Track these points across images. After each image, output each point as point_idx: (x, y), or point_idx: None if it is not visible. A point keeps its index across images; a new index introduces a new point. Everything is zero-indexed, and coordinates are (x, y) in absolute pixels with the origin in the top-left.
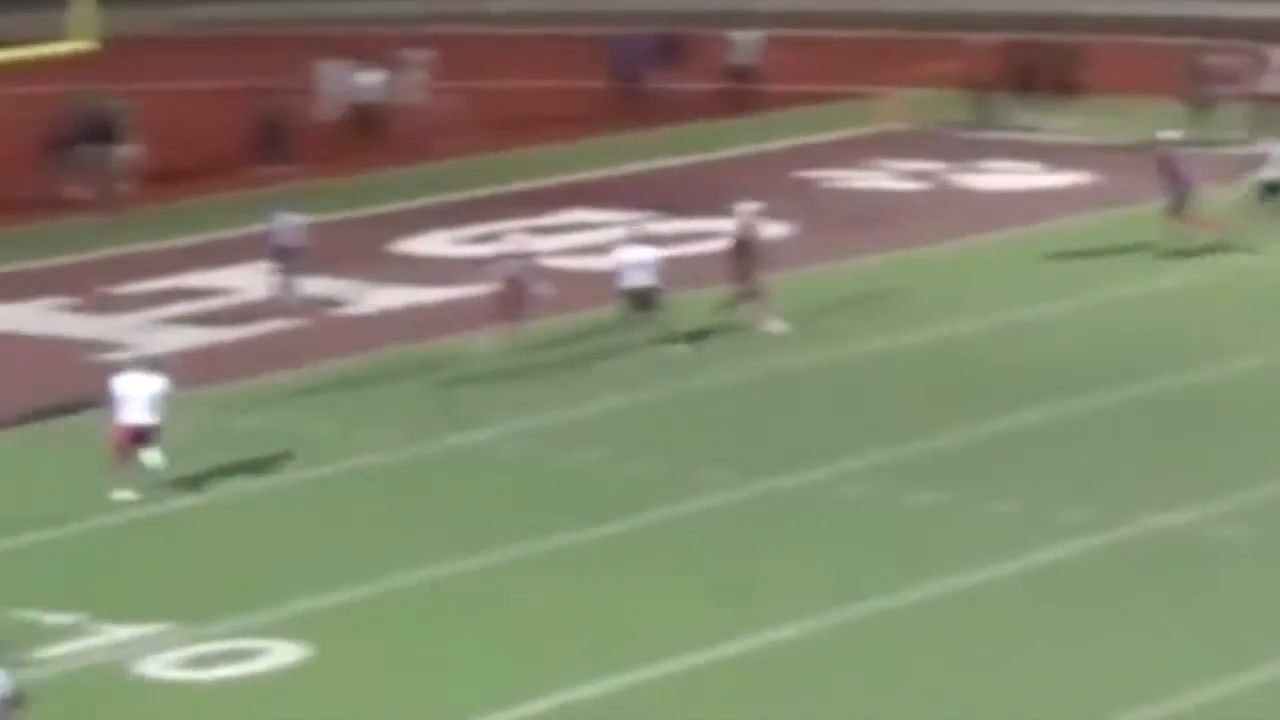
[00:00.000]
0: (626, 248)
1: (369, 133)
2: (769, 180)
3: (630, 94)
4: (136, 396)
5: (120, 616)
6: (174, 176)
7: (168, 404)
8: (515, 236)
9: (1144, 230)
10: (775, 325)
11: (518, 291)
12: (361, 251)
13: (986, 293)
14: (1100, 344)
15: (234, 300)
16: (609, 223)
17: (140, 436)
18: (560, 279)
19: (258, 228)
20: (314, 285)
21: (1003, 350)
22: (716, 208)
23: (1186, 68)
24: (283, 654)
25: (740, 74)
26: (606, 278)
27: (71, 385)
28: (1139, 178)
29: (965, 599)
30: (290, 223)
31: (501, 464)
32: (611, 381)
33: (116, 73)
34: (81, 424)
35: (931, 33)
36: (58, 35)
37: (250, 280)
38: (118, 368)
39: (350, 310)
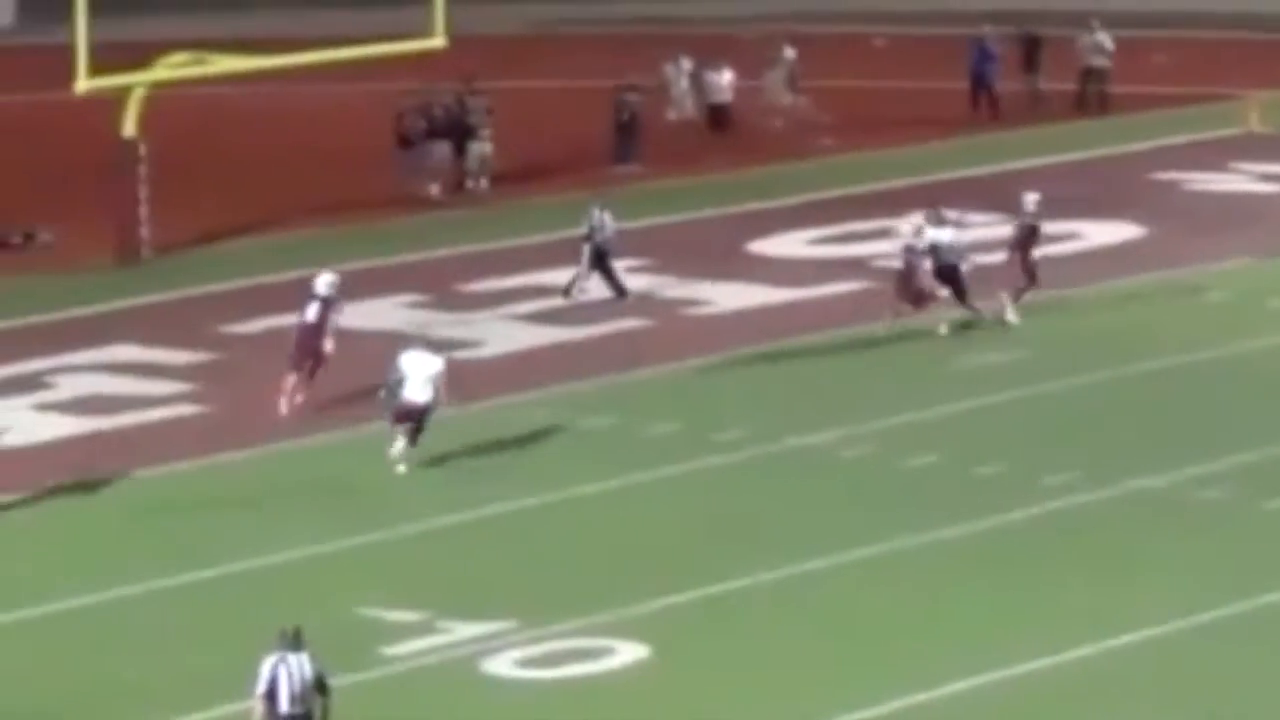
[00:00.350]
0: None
1: (722, 132)
2: (1127, 182)
3: (985, 96)
4: (416, 376)
5: (465, 614)
6: (526, 175)
7: (443, 386)
8: (911, 222)
9: None
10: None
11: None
12: (714, 251)
13: None
14: None
15: (582, 299)
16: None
17: (413, 414)
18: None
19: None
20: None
21: None
22: (1075, 209)
23: None
24: (627, 653)
25: (1094, 75)
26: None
27: None
28: None
29: None
30: (607, 222)
31: (843, 466)
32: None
33: (470, 71)
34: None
35: None
36: (411, 33)
37: (597, 279)
38: (406, 345)
39: (701, 310)
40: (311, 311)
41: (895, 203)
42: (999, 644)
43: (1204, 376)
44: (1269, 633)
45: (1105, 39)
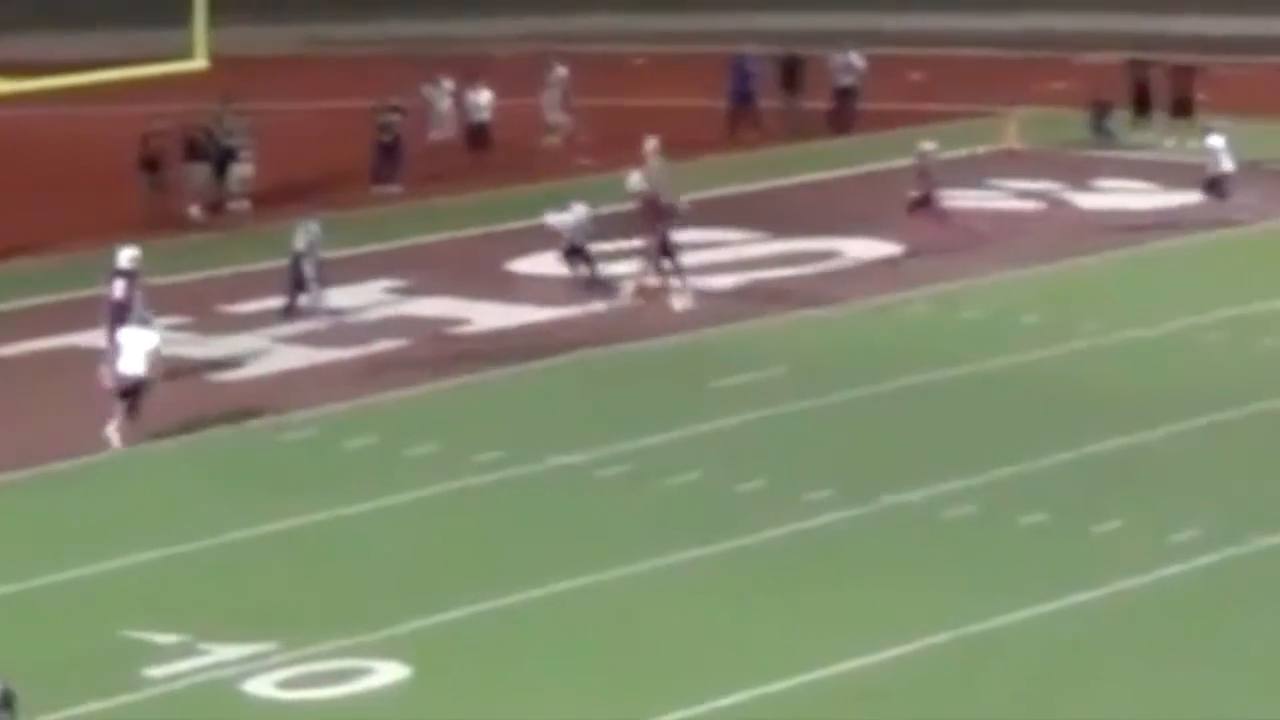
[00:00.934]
0: None
1: (482, 152)
2: (884, 199)
3: (749, 115)
4: (133, 349)
5: (227, 635)
6: (288, 196)
7: (159, 361)
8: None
9: (1259, 249)
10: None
11: None
12: (474, 271)
13: (1098, 312)
14: (1213, 364)
15: (348, 320)
16: (726, 242)
17: (131, 387)
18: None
19: (368, 248)
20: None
21: (1111, 370)
22: (831, 228)
23: None
24: (387, 674)
25: (851, 94)
26: (719, 298)
27: (189, 409)
28: (1250, 198)
29: (1072, 619)
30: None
31: (602, 484)
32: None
33: (229, 91)
34: (196, 444)
35: (1047, 51)
36: (172, 55)
37: (363, 299)
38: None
39: (461, 329)
40: (118, 288)
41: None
42: (762, 659)
43: (959, 392)
44: (1021, 647)
45: (855, 58)
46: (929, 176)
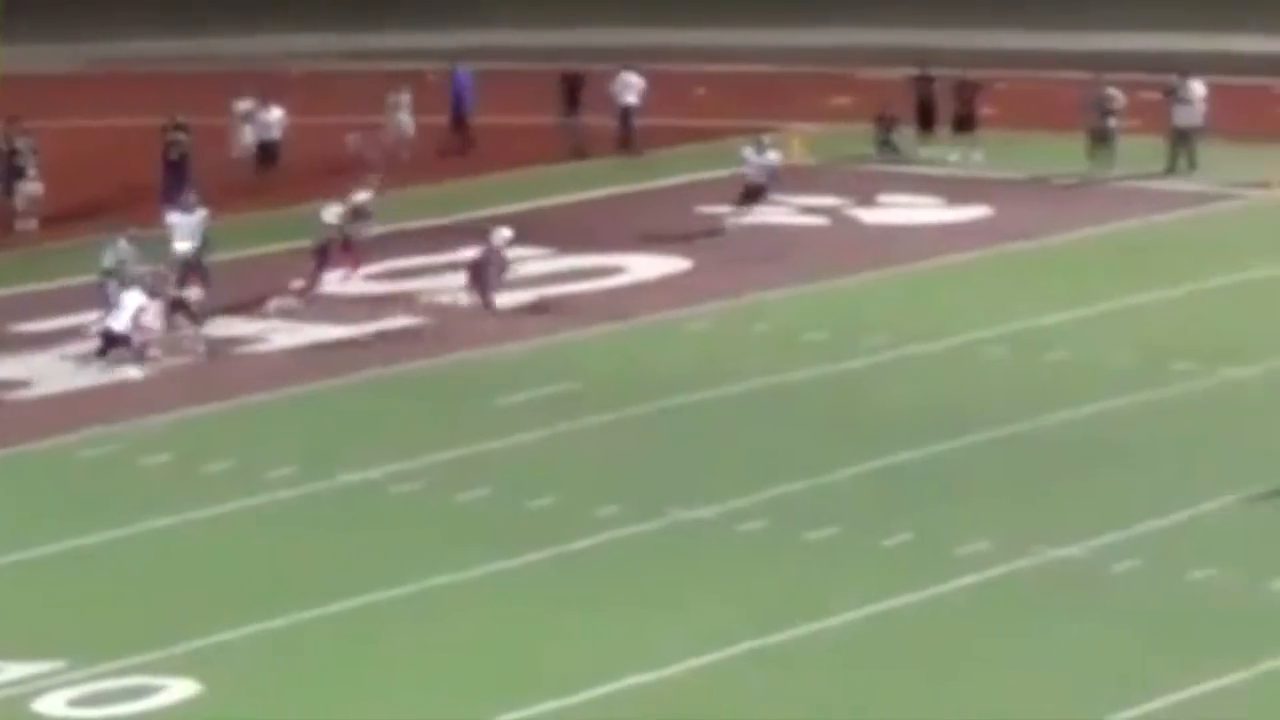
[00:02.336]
0: None
1: (271, 169)
2: (672, 215)
3: (461, 129)
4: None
5: (16, 653)
6: (77, 215)
7: None
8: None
9: (1042, 264)
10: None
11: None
12: (264, 289)
13: (884, 327)
14: (997, 378)
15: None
16: (512, 259)
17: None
18: (456, 316)
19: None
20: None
21: (898, 385)
22: (617, 244)
23: (1086, 101)
24: (177, 691)
25: (631, 111)
26: (507, 315)
27: None
28: (1037, 211)
29: (864, 630)
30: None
31: (395, 501)
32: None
33: (14, 110)
34: None
35: (831, 67)
36: None
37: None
38: None
39: (256, 348)
40: None
41: (441, 238)
42: (555, 672)
43: (748, 408)
44: (811, 659)
45: (635, 77)
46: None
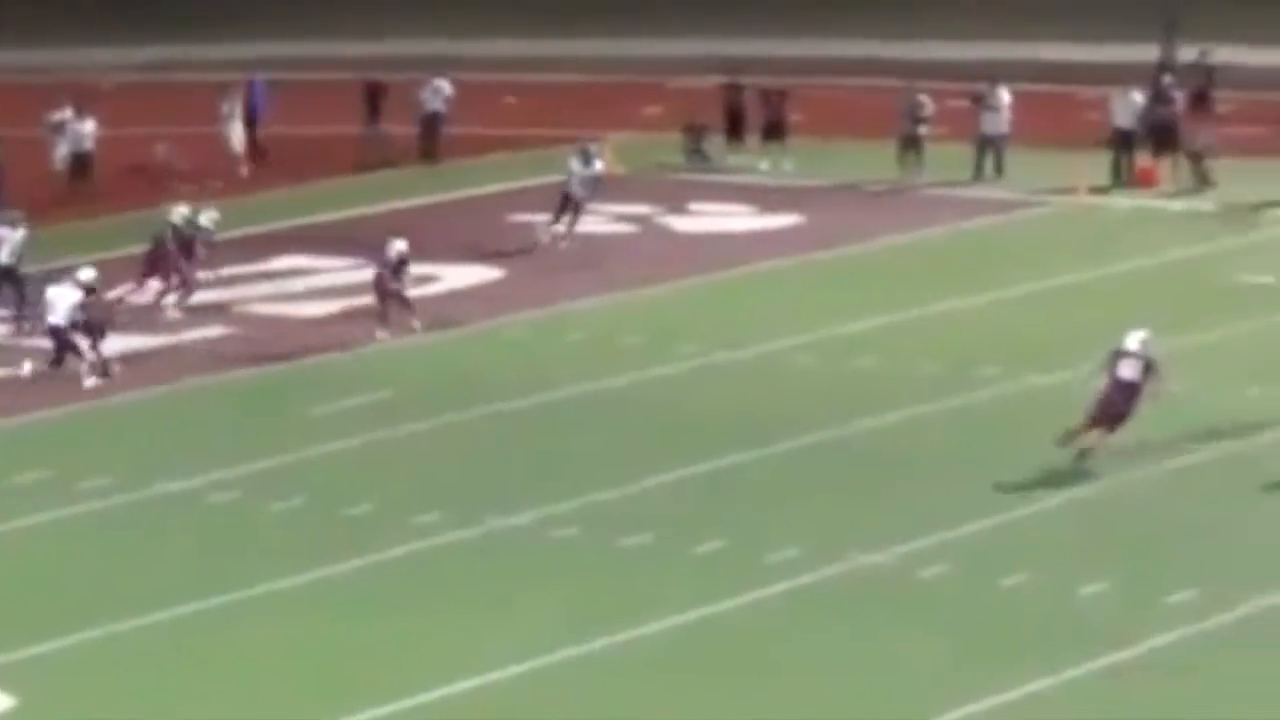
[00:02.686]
0: None
1: (83, 181)
2: (485, 225)
3: (252, 138)
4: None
5: None
6: None
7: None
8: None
9: (850, 271)
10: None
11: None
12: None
13: (695, 334)
14: (807, 385)
15: None
16: (322, 269)
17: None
18: (271, 325)
19: None
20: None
21: (710, 392)
22: (428, 253)
23: (897, 108)
24: None
25: (439, 120)
26: (308, 325)
27: None
28: (847, 219)
29: (678, 636)
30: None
31: (212, 510)
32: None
33: None
34: None
35: (641, 76)
36: None
37: None
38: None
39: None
40: None
41: (255, 248)
42: (370, 681)
43: (562, 415)
44: (624, 667)
45: (444, 85)
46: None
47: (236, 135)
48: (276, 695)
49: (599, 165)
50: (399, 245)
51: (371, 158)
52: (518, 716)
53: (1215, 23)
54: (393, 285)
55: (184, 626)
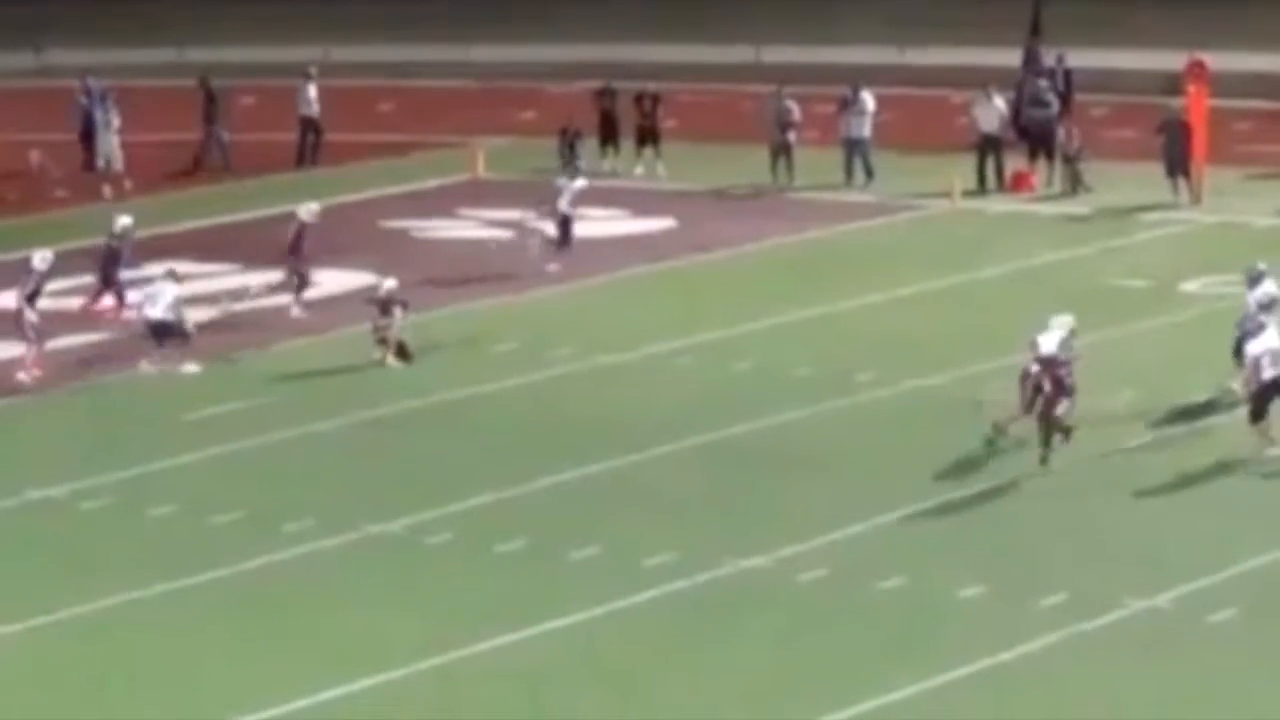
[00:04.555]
0: None
1: None
2: (357, 231)
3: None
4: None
5: None
6: None
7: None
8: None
9: (727, 275)
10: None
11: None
12: None
13: (572, 338)
14: (686, 388)
15: None
16: (198, 274)
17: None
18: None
19: None
20: None
21: (586, 397)
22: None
23: (766, 113)
24: None
25: (309, 125)
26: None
27: None
28: (721, 223)
29: (553, 643)
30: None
31: (83, 517)
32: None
33: None
34: None
35: (517, 82)
36: None
37: None
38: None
39: None
40: None
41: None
42: (245, 689)
43: (437, 421)
44: (500, 673)
45: (312, 89)
46: None
47: (113, 148)
48: (137, 706)
49: (581, 183)
50: (388, 284)
51: (211, 162)
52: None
53: (1075, 26)
54: (380, 322)
55: (48, 636)
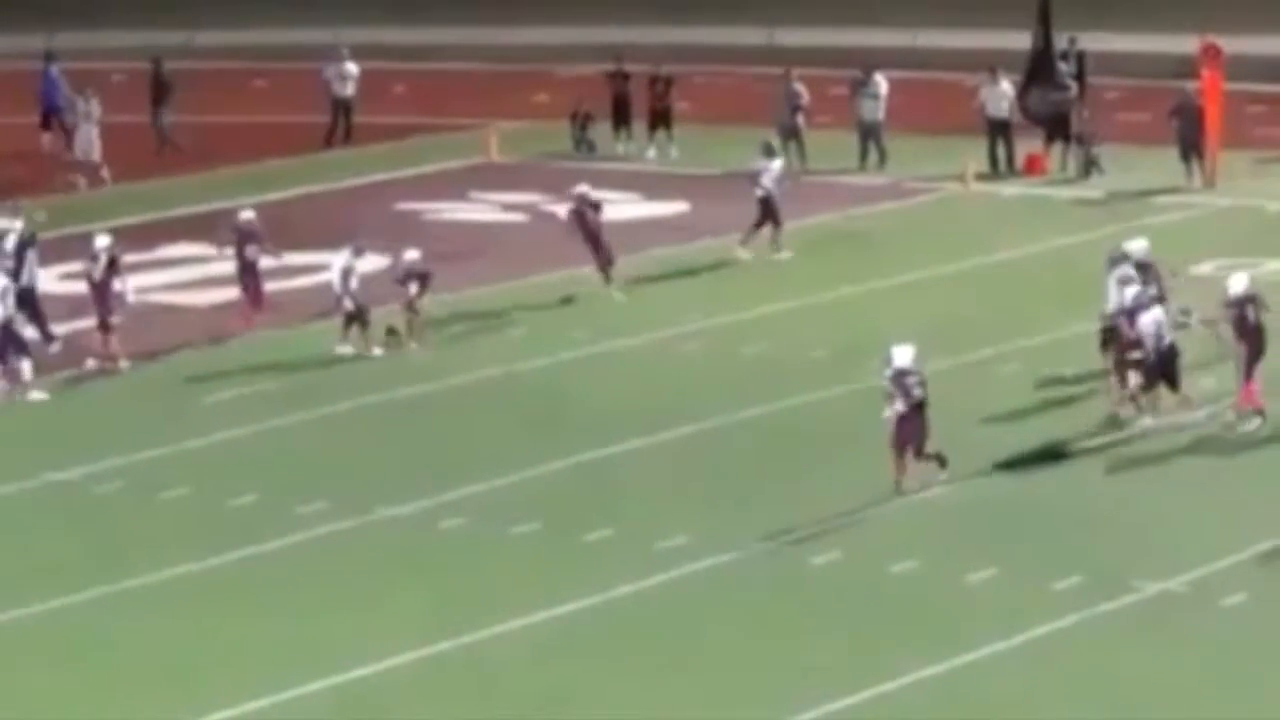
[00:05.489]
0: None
1: None
2: (370, 213)
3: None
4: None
5: None
6: None
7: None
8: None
9: (734, 261)
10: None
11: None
12: None
13: (584, 323)
14: (695, 373)
15: None
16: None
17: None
18: (160, 314)
19: None
20: None
21: (597, 380)
22: (317, 241)
23: (777, 96)
24: None
25: (342, 105)
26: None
27: None
28: (734, 207)
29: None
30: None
31: (97, 501)
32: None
33: None
34: None
35: (529, 65)
36: None
37: None
38: None
39: None
40: None
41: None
42: (263, 671)
43: (450, 404)
44: (516, 654)
45: (352, 67)
46: None
47: (87, 142)
48: (153, 686)
49: (777, 165)
50: (411, 254)
51: (161, 146)
52: (403, 707)
53: (1086, 8)
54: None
55: (65, 617)
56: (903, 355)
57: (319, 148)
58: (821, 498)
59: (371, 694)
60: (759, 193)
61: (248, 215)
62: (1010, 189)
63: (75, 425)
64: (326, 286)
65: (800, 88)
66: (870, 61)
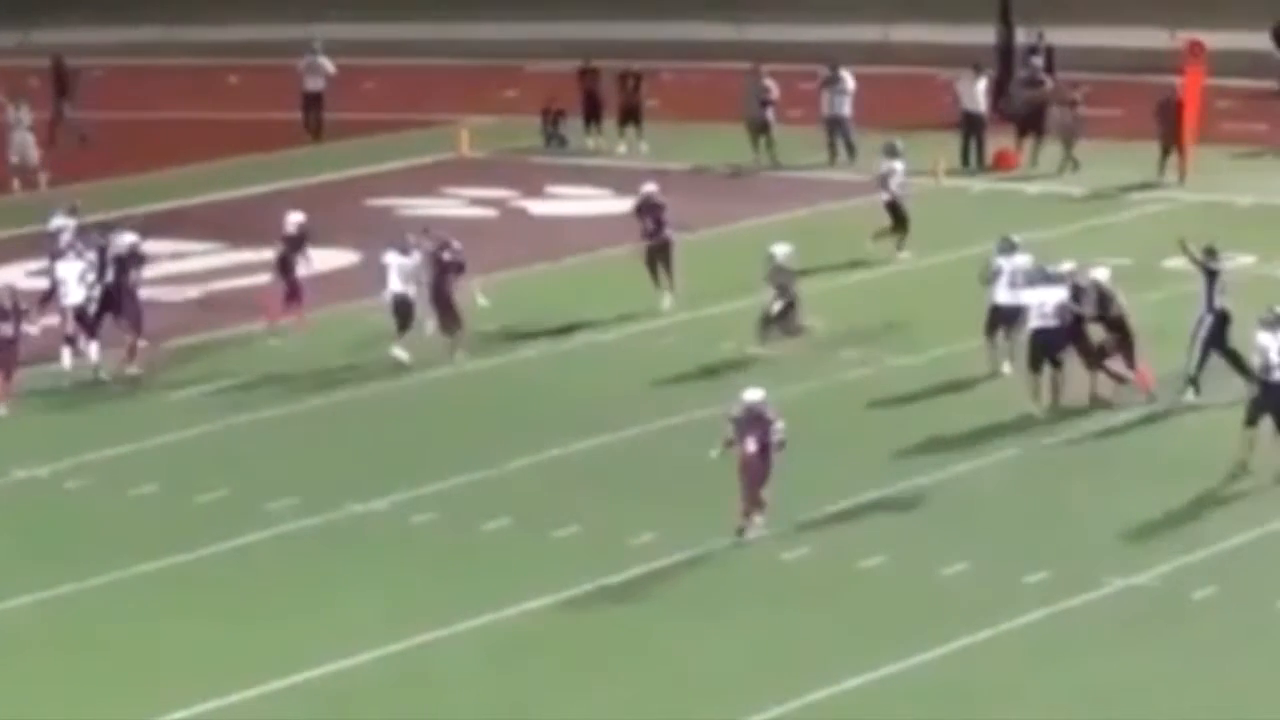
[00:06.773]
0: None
1: None
2: (341, 209)
3: None
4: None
5: None
6: None
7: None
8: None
9: (708, 254)
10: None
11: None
12: None
13: (555, 317)
14: (669, 367)
15: None
16: (184, 253)
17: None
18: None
19: None
20: None
21: (569, 376)
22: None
23: (746, 91)
24: None
25: (313, 100)
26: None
27: None
28: (705, 202)
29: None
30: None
31: (68, 497)
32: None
33: None
34: None
35: (499, 60)
36: None
37: None
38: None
39: None
40: None
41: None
42: (230, 668)
43: (419, 400)
44: (486, 649)
45: (326, 62)
46: None
47: (28, 145)
48: (117, 686)
49: (899, 165)
50: (295, 217)
51: (65, 140)
52: (374, 702)
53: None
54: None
55: (26, 616)
56: (754, 394)
57: (305, 142)
58: (791, 494)
59: (340, 691)
60: (884, 197)
61: (297, 218)
62: (981, 184)
63: (43, 422)
64: (308, 281)
65: (769, 83)
66: (841, 57)
